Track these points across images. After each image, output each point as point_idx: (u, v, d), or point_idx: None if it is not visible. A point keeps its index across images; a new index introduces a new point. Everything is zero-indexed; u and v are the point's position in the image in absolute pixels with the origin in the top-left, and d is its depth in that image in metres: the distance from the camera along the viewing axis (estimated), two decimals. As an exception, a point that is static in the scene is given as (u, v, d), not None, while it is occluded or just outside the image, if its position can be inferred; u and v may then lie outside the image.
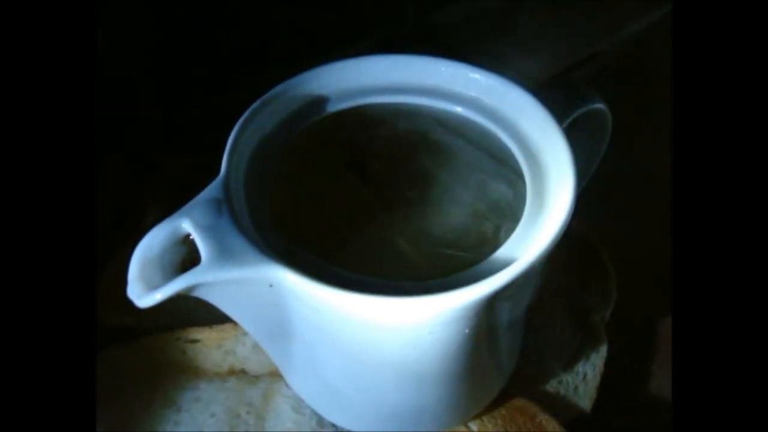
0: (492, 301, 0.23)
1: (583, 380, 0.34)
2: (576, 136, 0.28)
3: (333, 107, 0.29)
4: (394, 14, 0.50)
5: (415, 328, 0.23)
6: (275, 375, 0.33)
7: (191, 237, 0.23)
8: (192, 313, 0.34)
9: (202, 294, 0.23)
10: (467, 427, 0.32)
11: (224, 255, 0.22)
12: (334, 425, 0.32)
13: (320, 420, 0.32)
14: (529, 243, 0.24)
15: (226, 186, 0.24)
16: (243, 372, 0.34)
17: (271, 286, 0.23)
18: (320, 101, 0.29)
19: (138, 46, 0.41)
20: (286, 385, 0.32)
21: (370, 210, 0.26)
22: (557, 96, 0.28)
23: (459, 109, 0.29)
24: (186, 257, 0.23)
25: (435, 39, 0.51)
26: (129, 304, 0.22)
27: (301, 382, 0.31)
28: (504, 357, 0.30)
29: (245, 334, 0.34)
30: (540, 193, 0.26)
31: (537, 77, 0.46)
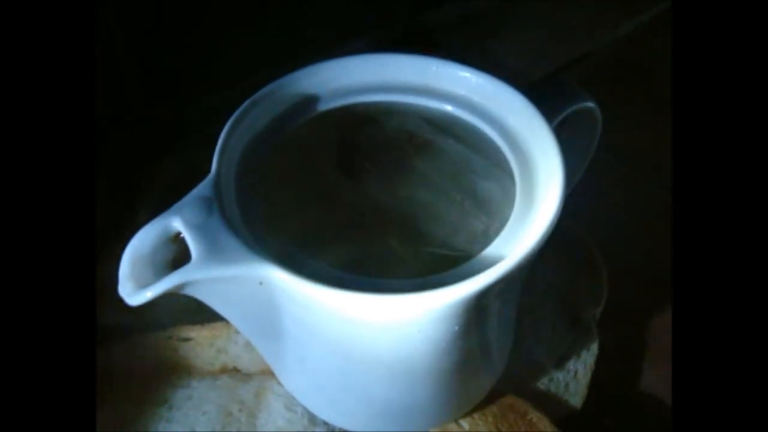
0: (481, 299, 0.23)
1: (574, 378, 0.35)
2: (566, 134, 0.28)
3: (324, 106, 0.29)
4: (388, 13, 0.50)
5: (404, 325, 0.23)
6: (267, 373, 0.33)
7: (182, 235, 0.23)
8: (184, 311, 0.34)
9: (193, 292, 0.23)
10: (458, 424, 0.32)
11: (214, 253, 0.22)
12: (325, 423, 0.32)
13: (312, 418, 0.32)
14: (517, 241, 0.24)
15: (216, 185, 0.24)
16: (235, 370, 0.34)
17: (261, 284, 0.23)
18: (311, 100, 0.29)
19: (129, 45, 0.41)
20: (278, 383, 0.33)
21: (360, 208, 0.26)
22: (547, 95, 0.29)
23: (449, 108, 0.29)
24: (177, 255, 0.23)
25: (428, 38, 0.51)
26: (120, 302, 0.23)
27: (292, 380, 0.31)
28: (494, 354, 0.30)
29: (237, 332, 0.34)
30: (529, 192, 0.26)
31: (531, 76, 0.47)
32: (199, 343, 0.35)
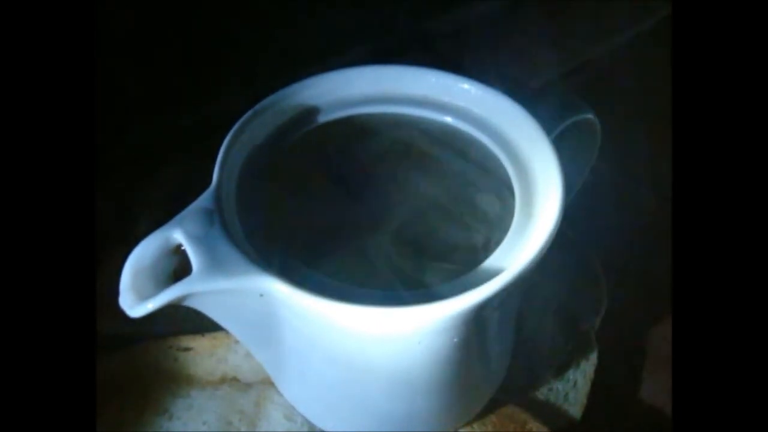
0: (481, 311, 0.23)
1: (573, 387, 0.35)
2: (566, 145, 0.28)
3: (324, 118, 0.29)
4: (387, 22, 0.50)
5: (404, 337, 0.24)
6: (267, 383, 0.33)
7: (183, 247, 0.23)
8: (184, 321, 0.34)
9: (194, 303, 0.23)
10: (458, 434, 0.32)
11: (215, 265, 0.22)
12: (325, 433, 0.32)
13: (312, 427, 0.32)
14: (517, 252, 0.24)
15: (217, 196, 0.25)
16: (235, 380, 0.34)
17: (261, 296, 0.23)
18: (311, 112, 0.29)
19: (130, 53, 0.41)
20: (278, 392, 0.33)
21: (361, 221, 0.27)
22: (547, 106, 0.29)
23: (449, 119, 0.29)
24: (177, 267, 0.23)
25: (428, 47, 0.51)
26: (121, 312, 0.23)
27: (292, 389, 0.31)
28: (494, 365, 0.30)
29: (237, 342, 0.34)
30: (528, 203, 0.26)
31: (530, 85, 0.47)
32: (200, 353, 0.35)
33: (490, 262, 0.24)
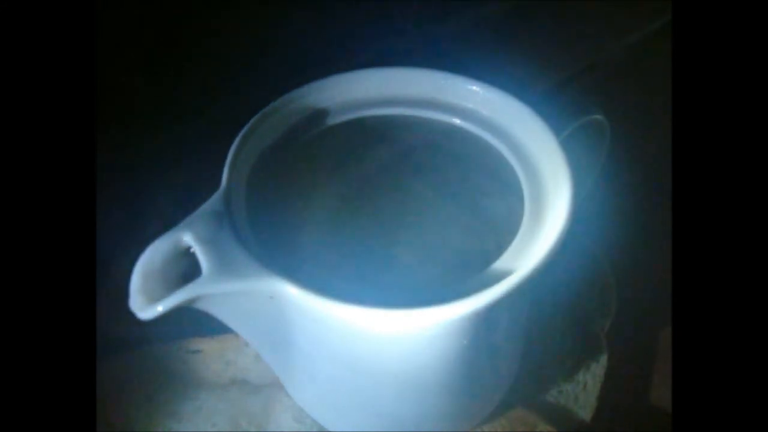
0: (490, 313, 0.23)
1: (583, 390, 0.35)
2: (575, 147, 0.28)
3: (333, 120, 0.29)
4: (395, 24, 0.50)
5: (414, 339, 0.24)
6: (276, 385, 0.33)
7: (192, 250, 0.23)
8: (193, 323, 0.34)
9: (204, 306, 0.23)
10: (467, 437, 0.32)
11: (225, 267, 0.22)
12: (334, 435, 0.32)
13: (321, 430, 0.32)
14: (527, 254, 0.24)
15: (226, 199, 0.25)
16: (244, 382, 0.34)
17: (271, 298, 0.23)
18: (320, 114, 0.29)
19: (138, 56, 0.41)
20: (287, 395, 0.33)
21: (370, 222, 0.27)
22: (555, 107, 0.29)
23: (457, 121, 0.29)
24: (187, 269, 0.23)
25: (436, 49, 0.51)
26: (130, 314, 0.23)
27: (301, 392, 0.31)
28: (504, 367, 0.30)
29: (247, 344, 0.34)
30: (538, 205, 0.26)
31: (539, 86, 0.47)
32: (209, 356, 0.35)
33: (500, 264, 0.24)
